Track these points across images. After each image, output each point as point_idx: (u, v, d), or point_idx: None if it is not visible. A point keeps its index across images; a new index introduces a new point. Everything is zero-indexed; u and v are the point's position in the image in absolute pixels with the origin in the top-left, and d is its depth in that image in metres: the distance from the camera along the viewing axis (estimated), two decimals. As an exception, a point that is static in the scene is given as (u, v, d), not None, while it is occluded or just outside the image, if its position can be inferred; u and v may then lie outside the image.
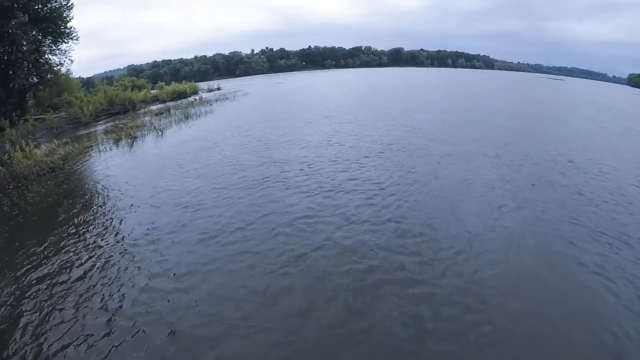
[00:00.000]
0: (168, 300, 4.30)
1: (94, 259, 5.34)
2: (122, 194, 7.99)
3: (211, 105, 23.09)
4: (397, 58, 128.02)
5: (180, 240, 5.66)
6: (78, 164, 11.37)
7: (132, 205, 7.29)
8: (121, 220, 6.59)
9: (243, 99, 27.21)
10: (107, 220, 6.72)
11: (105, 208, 7.34)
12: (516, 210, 6.50)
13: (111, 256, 5.40)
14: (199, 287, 4.52)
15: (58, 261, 5.36)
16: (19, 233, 6.60)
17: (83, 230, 6.36)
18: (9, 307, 4.42)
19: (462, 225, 5.92)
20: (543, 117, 17.69)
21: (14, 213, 7.67)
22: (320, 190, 7.53)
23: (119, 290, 4.55)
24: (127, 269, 5.03)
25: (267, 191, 7.60)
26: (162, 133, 14.47)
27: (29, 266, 5.26)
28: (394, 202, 6.87)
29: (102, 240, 5.94)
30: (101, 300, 4.39)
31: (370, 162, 9.42)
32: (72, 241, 5.98)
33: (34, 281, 4.90)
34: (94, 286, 4.68)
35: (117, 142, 13.56)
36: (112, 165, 10.61)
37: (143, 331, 3.84)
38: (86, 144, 13.76)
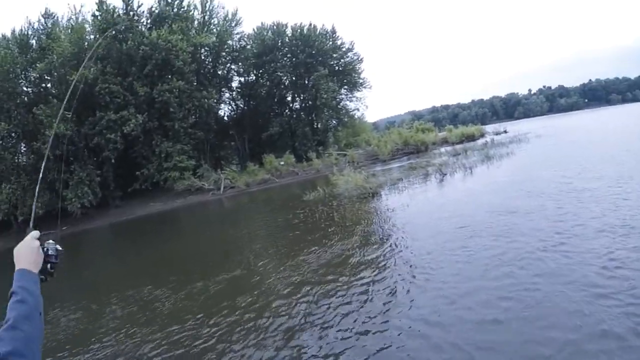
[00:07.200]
0: None
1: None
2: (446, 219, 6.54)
3: (507, 147, 20.39)
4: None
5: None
6: (394, 192, 11.63)
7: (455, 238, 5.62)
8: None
9: (538, 140, 22.89)
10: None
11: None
12: None
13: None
14: None
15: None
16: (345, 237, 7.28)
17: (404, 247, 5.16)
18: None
19: None
20: None
21: (347, 224, 8.52)
22: None
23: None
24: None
25: None
26: (471, 171, 13.09)
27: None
28: None
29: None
30: None
31: None
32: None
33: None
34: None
35: (425, 176, 13.33)
36: (429, 197, 10.28)
37: None
38: (395, 176, 14.36)
